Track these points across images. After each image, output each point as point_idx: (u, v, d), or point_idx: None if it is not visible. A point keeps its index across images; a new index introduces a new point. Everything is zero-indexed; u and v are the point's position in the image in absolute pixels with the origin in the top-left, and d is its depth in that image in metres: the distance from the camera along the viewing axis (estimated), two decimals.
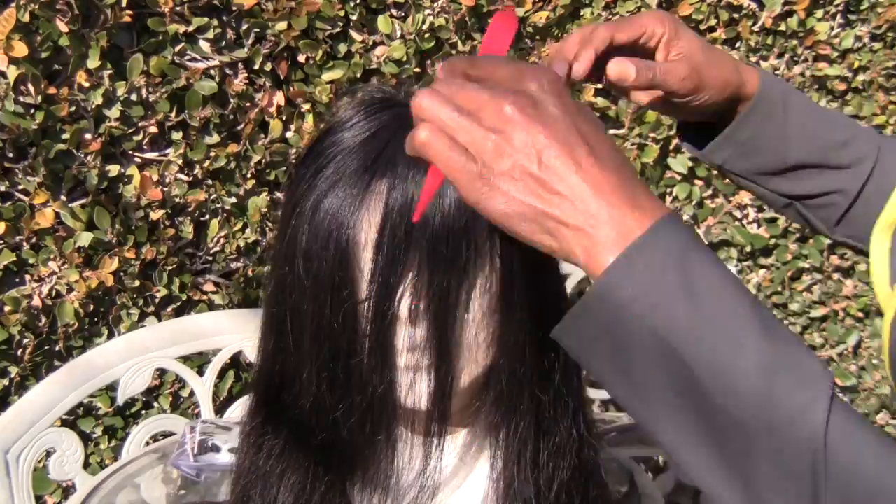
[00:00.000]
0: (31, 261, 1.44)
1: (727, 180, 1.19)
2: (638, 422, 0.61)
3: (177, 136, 1.49)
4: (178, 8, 1.43)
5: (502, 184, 0.57)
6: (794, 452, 0.55)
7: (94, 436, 1.55)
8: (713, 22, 1.79)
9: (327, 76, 1.55)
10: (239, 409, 1.40)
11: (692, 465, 0.59)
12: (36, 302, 1.44)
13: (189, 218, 1.53)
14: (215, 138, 1.51)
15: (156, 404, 1.58)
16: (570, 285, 1.60)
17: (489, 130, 0.58)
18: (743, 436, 0.56)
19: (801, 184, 0.95)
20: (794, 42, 1.95)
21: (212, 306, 1.58)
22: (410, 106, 0.60)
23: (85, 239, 1.44)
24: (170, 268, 1.53)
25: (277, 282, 0.75)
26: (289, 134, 1.56)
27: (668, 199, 1.90)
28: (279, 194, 1.58)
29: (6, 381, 1.47)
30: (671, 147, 1.86)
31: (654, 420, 0.59)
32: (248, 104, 1.52)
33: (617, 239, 0.56)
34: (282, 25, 1.49)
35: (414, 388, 0.72)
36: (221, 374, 1.53)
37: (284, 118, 1.55)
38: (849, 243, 0.98)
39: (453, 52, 1.61)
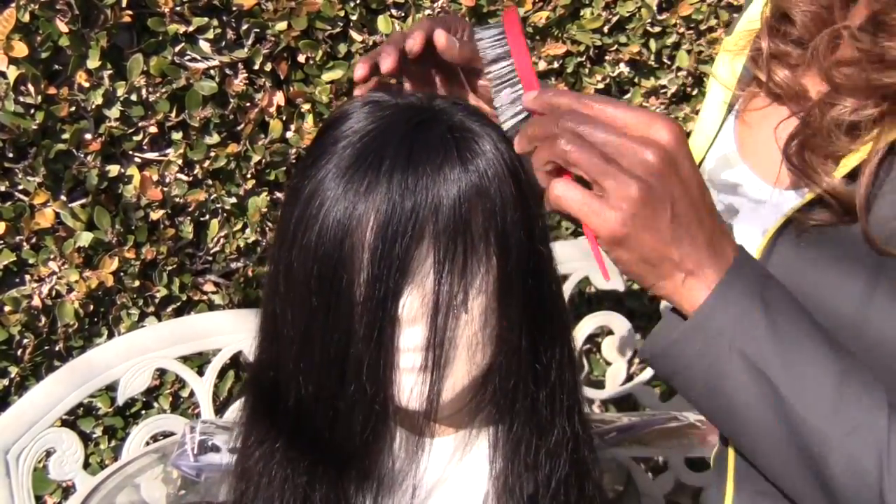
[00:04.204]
0: (31, 261, 1.44)
1: None
2: (720, 429, 0.71)
3: (177, 136, 1.49)
4: (178, 8, 1.43)
5: (638, 230, 0.64)
6: (864, 452, 0.64)
7: (94, 436, 1.55)
8: (713, 22, 1.79)
9: (327, 76, 1.55)
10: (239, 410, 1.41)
11: (776, 471, 0.69)
12: (36, 302, 1.44)
13: (189, 218, 1.53)
14: (215, 138, 1.51)
15: (156, 404, 1.58)
16: (569, 286, 1.60)
17: (631, 178, 0.63)
18: (820, 440, 0.65)
19: None
20: None
21: (212, 306, 1.58)
22: (542, 138, 0.65)
23: (85, 239, 1.44)
24: (170, 268, 1.53)
25: (275, 281, 0.76)
26: (289, 134, 1.56)
27: None
28: (279, 194, 1.58)
29: (6, 381, 1.47)
30: None
31: (738, 430, 0.69)
32: (248, 104, 1.52)
33: (710, 281, 0.66)
34: (282, 25, 1.49)
35: (412, 388, 0.73)
36: (221, 374, 1.53)
37: (284, 118, 1.55)
38: None
39: None
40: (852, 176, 0.72)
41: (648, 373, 1.70)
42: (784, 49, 0.82)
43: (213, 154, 1.51)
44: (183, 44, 1.46)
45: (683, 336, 0.67)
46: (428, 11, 1.58)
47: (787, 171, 0.79)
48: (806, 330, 0.67)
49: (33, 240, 1.43)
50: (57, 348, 1.48)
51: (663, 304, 1.65)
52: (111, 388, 1.42)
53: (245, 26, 1.49)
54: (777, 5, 0.83)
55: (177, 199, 1.50)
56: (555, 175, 0.67)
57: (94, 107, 1.41)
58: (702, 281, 0.66)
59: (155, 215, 1.49)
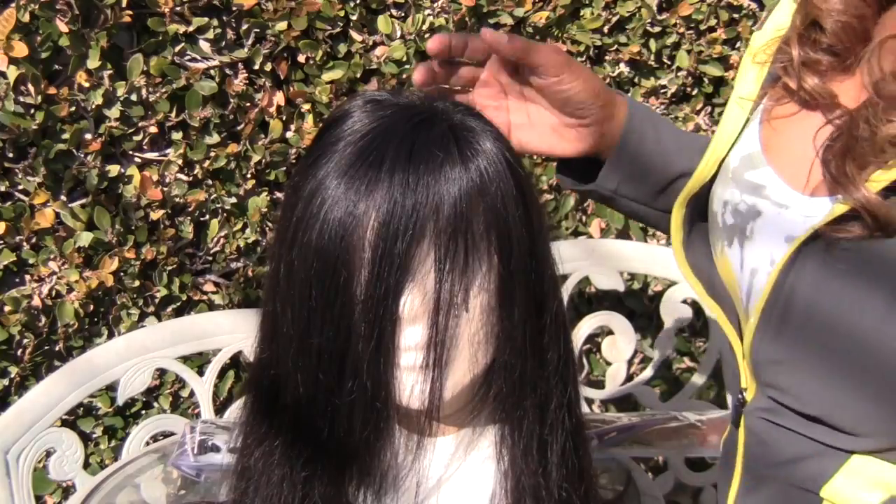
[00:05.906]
0: (31, 261, 1.44)
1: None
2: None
3: (177, 136, 1.49)
4: (178, 8, 1.43)
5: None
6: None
7: (94, 436, 1.55)
8: (713, 22, 1.79)
9: (327, 76, 1.55)
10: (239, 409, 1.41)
11: None
12: (36, 302, 1.44)
13: (189, 218, 1.53)
14: (215, 138, 1.51)
15: (156, 404, 1.58)
16: (569, 285, 1.60)
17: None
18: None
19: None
20: None
21: (212, 306, 1.58)
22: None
23: (85, 239, 1.44)
24: (170, 268, 1.53)
25: (275, 280, 0.76)
26: (289, 134, 1.56)
27: None
28: (279, 194, 1.58)
29: (6, 382, 1.47)
30: None
31: None
32: (248, 104, 1.52)
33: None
34: (282, 25, 1.49)
35: (413, 387, 0.72)
36: (221, 374, 1.54)
37: (284, 118, 1.55)
38: None
39: None
40: (886, 191, 0.72)
41: (648, 373, 1.70)
42: (814, 57, 0.83)
43: (213, 154, 1.51)
44: (183, 44, 1.46)
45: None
46: (428, 11, 1.58)
47: (815, 178, 0.78)
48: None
49: (33, 240, 1.44)
50: (57, 348, 1.48)
51: (663, 303, 1.66)
52: (111, 388, 1.42)
53: (245, 26, 1.49)
54: (807, 14, 0.83)
55: (177, 199, 1.50)
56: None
57: (94, 107, 1.41)
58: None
59: (155, 215, 1.49)
